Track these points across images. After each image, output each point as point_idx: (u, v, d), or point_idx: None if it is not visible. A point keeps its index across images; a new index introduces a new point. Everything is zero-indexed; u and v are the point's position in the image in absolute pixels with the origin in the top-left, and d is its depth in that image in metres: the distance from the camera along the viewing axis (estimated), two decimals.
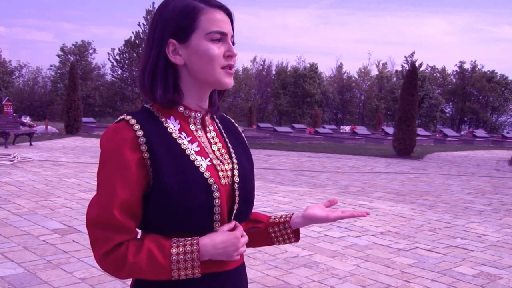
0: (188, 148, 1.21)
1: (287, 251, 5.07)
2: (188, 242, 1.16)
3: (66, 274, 4.15)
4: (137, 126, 1.16)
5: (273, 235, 1.41)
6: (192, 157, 1.20)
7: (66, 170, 10.08)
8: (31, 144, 14.91)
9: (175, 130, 1.22)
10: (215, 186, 1.19)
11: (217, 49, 1.20)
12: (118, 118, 1.20)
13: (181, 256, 1.14)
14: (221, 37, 1.21)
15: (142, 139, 1.15)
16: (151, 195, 1.16)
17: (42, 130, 19.92)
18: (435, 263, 4.89)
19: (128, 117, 1.18)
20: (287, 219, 1.42)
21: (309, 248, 5.25)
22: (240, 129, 1.42)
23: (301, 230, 5.46)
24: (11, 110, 25.64)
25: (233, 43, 1.26)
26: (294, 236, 1.43)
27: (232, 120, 1.42)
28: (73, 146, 15.34)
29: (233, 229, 1.24)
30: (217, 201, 1.19)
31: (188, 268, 1.15)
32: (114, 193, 1.13)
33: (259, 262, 4.66)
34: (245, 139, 1.41)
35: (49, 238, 5.19)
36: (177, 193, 1.15)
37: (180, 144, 1.20)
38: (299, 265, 4.67)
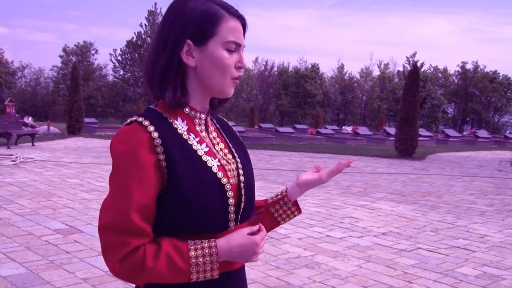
0: (199, 149, 1.21)
1: (289, 252, 5.07)
2: (206, 244, 1.16)
3: (68, 274, 4.16)
4: (151, 128, 1.14)
5: (276, 214, 1.43)
6: (204, 158, 1.20)
7: (68, 171, 10.10)
8: (33, 145, 14.94)
9: (184, 131, 1.21)
10: (228, 186, 1.21)
11: (231, 59, 1.22)
12: (129, 120, 1.18)
13: (200, 259, 1.14)
14: (235, 48, 1.23)
15: (158, 141, 1.14)
16: (165, 197, 1.15)
17: (44, 130, 19.95)
18: (437, 264, 4.88)
19: (140, 119, 1.16)
20: (284, 193, 1.44)
21: (311, 248, 5.25)
22: (233, 129, 1.43)
23: (303, 230, 5.41)
24: (14, 111, 25.72)
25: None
26: (296, 208, 1.45)
27: (226, 120, 1.43)
28: (75, 147, 15.36)
29: (257, 232, 1.24)
30: (231, 201, 1.21)
31: (207, 270, 1.15)
32: (131, 196, 1.11)
33: (261, 263, 4.65)
34: (240, 138, 1.42)
35: (51, 238, 5.20)
36: (193, 195, 1.15)
37: (192, 145, 1.20)
38: (301, 265, 4.66)
